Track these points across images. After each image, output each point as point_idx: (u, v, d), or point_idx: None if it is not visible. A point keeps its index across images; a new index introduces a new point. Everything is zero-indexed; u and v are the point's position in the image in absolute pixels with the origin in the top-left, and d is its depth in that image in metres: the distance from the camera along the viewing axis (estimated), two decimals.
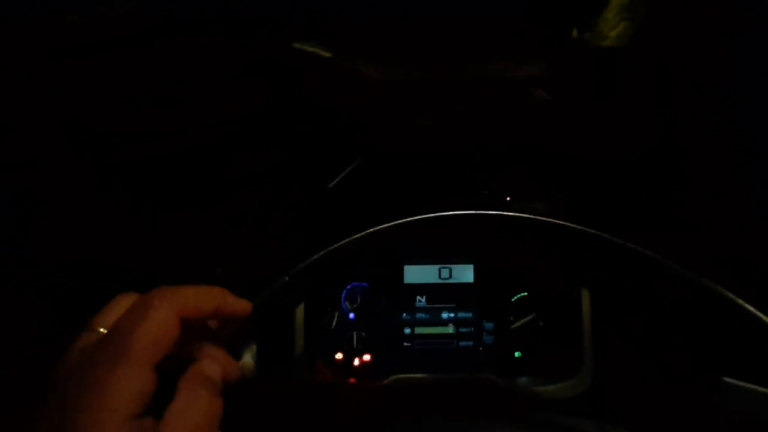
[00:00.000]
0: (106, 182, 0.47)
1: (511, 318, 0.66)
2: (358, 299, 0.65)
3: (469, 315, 0.66)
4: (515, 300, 0.66)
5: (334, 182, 0.59)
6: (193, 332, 0.29)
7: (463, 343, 0.66)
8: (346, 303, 0.65)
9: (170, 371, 0.26)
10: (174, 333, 0.26)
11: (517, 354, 0.66)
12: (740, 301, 0.40)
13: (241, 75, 0.50)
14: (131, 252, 0.50)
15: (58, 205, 0.46)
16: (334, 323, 0.63)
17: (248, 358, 0.33)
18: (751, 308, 0.40)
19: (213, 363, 0.28)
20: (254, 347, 0.33)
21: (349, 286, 0.65)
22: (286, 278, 0.47)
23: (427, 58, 0.50)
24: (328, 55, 0.47)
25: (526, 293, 0.66)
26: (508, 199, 0.61)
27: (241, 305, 0.31)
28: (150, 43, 0.42)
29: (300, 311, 0.59)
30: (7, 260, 0.44)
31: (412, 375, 0.61)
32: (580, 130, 0.57)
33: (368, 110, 0.54)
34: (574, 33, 0.50)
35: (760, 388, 0.41)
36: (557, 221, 0.51)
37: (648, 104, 0.52)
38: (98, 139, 0.45)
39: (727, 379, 0.43)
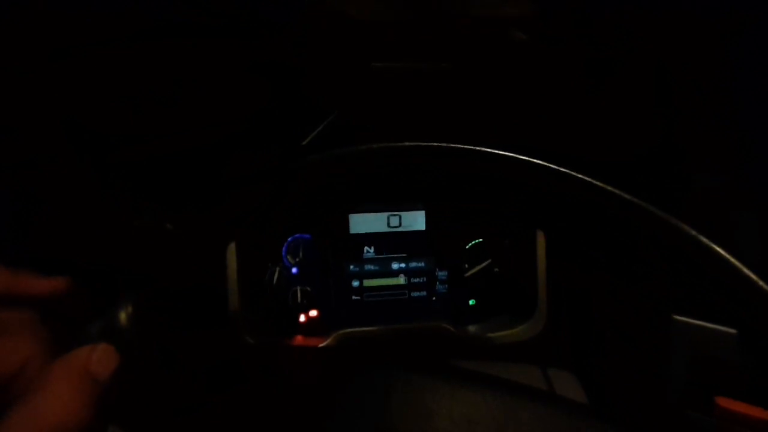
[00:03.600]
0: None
1: (466, 266, 0.63)
2: (301, 252, 0.60)
3: (421, 264, 0.62)
4: (470, 247, 0.64)
5: (308, 139, 0.56)
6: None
7: (415, 294, 0.63)
8: (288, 257, 0.60)
9: None
10: None
11: (471, 302, 0.64)
12: (694, 233, 0.40)
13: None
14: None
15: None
16: (275, 279, 0.59)
17: (122, 321, 0.29)
18: (705, 240, 0.39)
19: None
20: (129, 310, 0.29)
21: (290, 239, 0.61)
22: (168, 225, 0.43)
23: None
24: None
25: (481, 239, 0.63)
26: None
27: (38, 287, 0.27)
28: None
29: (233, 267, 0.54)
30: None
31: (359, 329, 0.58)
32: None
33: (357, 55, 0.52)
34: None
35: (709, 324, 0.41)
36: (504, 153, 0.48)
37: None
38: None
39: (678, 317, 0.43)
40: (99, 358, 0.24)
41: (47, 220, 0.45)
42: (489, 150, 0.49)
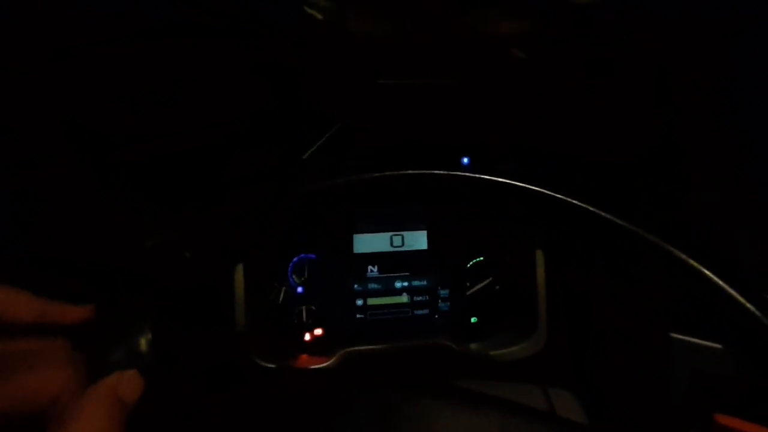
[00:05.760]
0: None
1: (467, 284, 0.64)
2: (306, 272, 0.61)
3: (424, 283, 0.64)
4: (471, 265, 0.65)
5: (309, 153, 0.56)
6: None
7: (418, 312, 0.64)
8: (293, 276, 0.61)
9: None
10: None
11: (473, 319, 0.65)
12: (685, 257, 0.40)
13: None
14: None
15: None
16: (281, 298, 0.60)
17: (143, 346, 0.30)
18: (695, 264, 0.39)
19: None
20: (148, 335, 0.30)
21: (295, 259, 0.61)
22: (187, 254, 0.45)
23: (413, 13, 0.49)
24: (320, 17, 0.46)
25: (482, 258, 0.64)
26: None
27: (68, 316, 0.28)
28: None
29: (240, 287, 0.55)
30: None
31: (364, 347, 0.59)
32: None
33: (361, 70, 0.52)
34: None
35: (707, 343, 0.41)
36: (504, 180, 0.48)
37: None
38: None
39: (676, 335, 0.43)
40: (127, 383, 0.26)
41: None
42: (485, 177, 0.49)
